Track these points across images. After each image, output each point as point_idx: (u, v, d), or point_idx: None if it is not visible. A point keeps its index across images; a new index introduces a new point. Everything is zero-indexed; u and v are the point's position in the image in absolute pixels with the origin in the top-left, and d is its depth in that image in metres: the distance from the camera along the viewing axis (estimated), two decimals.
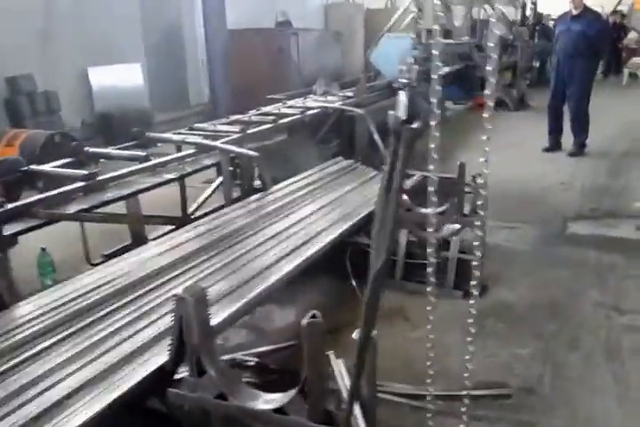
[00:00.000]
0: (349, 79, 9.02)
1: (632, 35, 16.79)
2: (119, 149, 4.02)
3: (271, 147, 4.74)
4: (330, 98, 6.28)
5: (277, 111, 5.35)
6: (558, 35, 7.04)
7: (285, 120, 4.94)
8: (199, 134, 4.39)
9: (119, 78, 8.68)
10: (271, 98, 6.86)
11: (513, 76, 10.98)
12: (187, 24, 10.19)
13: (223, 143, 4.02)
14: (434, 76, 1.45)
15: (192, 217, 4.43)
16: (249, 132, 4.47)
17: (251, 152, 3.83)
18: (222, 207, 4.01)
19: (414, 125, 1.32)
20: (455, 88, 11.64)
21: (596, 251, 3.99)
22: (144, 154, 3.62)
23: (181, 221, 4.25)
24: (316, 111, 5.44)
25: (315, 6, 14.39)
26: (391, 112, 1.36)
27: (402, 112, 1.34)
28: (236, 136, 4.29)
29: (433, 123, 1.47)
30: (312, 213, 3.80)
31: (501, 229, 4.45)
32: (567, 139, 7.11)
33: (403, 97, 1.36)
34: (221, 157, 3.86)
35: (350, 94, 6.52)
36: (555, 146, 7.10)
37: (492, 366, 2.67)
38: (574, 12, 6.77)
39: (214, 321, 2.29)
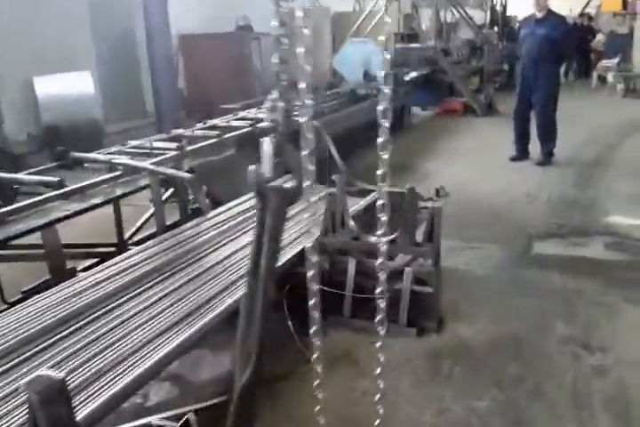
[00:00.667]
0: (313, 86, 8.72)
1: (599, 37, 16.74)
2: (37, 172, 3.62)
3: (215, 164, 4.38)
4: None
5: (226, 124, 4.99)
6: (523, 38, 6.80)
7: (231, 134, 4.58)
8: (133, 152, 4.02)
9: (68, 87, 8.21)
10: (225, 108, 6.52)
11: (480, 80, 10.74)
12: (141, 29, 9.76)
13: (155, 163, 3.66)
14: None
15: (130, 242, 4.07)
16: (188, 149, 4.11)
17: (183, 173, 3.47)
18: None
19: (285, 185, 0.98)
20: (423, 93, 11.39)
21: (562, 274, 3.69)
22: (57, 179, 3.22)
23: (117, 248, 3.90)
24: (267, 123, 5.09)
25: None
26: (252, 168, 1.01)
27: (267, 168, 0.99)
28: (172, 154, 3.93)
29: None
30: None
31: (462, 250, 4.14)
32: (535, 147, 6.86)
33: (267, 147, 1.01)
34: (151, 179, 3.49)
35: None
36: (522, 154, 6.83)
37: (445, 424, 2.34)
38: (538, 16, 6.54)
39: (103, 397, 1.91)
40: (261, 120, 5.19)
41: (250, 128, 4.81)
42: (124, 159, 3.65)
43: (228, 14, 10.80)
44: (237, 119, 5.16)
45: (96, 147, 4.79)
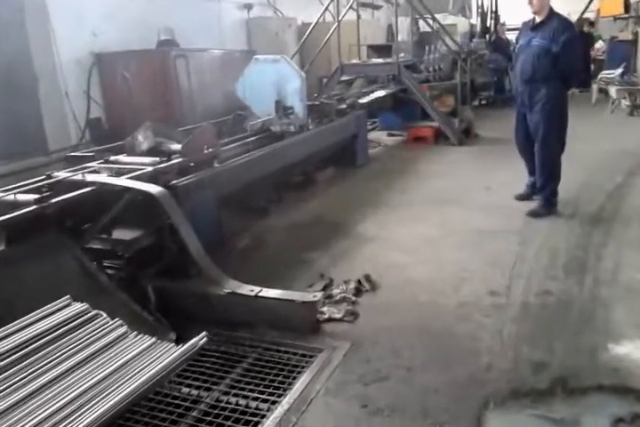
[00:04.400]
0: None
1: (598, 45, 14.98)
2: None
3: None
4: (146, 160, 4.13)
5: (12, 198, 3.18)
6: (518, 51, 5.04)
7: None
8: None
9: None
10: (74, 156, 4.75)
11: (455, 100, 8.92)
12: (39, 52, 8.02)
13: None
14: None
15: None
16: None
17: None
18: None
19: None
20: (391, 116, 9.62)
21: None
22: None
23: None
24: (79, 193, 3.29)
25: (232, 21, 12.26)
26: None
27: None
28: None
29: None
30: None
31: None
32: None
33: None
34: None
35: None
36: (532, 192, 5.31)
37: None
38: (537, 20, 4.79)
39: None
40: (84, 185, 3.40)
41: (34, 208, 3.00)
42: None
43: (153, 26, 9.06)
44: (28, 190, 3.34)
45: None
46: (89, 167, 3.92)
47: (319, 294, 3.14)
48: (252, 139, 5.40)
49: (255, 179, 5.08)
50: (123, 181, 3.41)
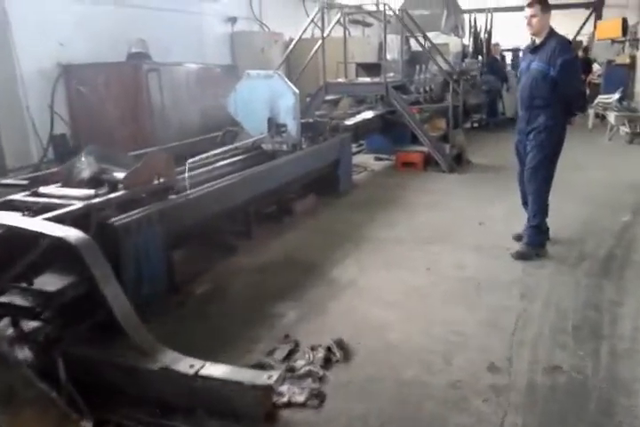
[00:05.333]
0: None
1: (595, 68, 14.57)
2: None
3: None
4: (79, 193, 3.47)
5: None
6: (520, 75, 4.66)
7: None
8: None
9: None
10: (5, 184, 4.09)
11: (447, 124, 8.36)
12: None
13: None
14: None
15: None
16: None
17: None
18: None
19: None
20: (379, 139, 9.03)
21: None
22: None
23: None
24: None
25: (215, 35, 11.70)
26: None
27: None
28: None
29: None
30: None
31: None
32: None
33: None
34: None
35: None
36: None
37: None
38: (537, 42, 4.33)
39: None
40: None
41: None
42: None
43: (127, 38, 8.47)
44: None
45: None
46: (11, 201, 3.27)
47: (275, 375, 2.48)
48: (240, 157, 4.94)
49: (224, 210, 4.50)
50: (35, 224, 2.75)
